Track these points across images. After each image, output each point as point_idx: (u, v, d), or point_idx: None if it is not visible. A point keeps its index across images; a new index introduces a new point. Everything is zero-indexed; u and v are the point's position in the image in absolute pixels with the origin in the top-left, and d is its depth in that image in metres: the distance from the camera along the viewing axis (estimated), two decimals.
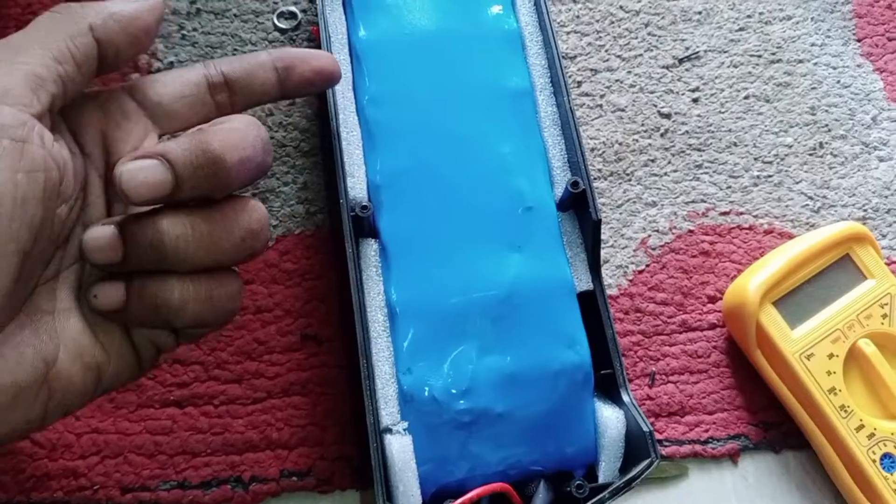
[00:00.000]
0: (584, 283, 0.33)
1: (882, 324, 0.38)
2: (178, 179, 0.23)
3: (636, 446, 0.30)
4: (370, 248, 0.32)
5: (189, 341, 0.28)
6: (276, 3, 0.47)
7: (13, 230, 0.21)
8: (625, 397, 0.31)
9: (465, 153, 0.33)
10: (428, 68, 0.34)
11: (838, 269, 0.40)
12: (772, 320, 0.38)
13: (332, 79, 0.29)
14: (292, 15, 0.47)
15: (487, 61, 0.35)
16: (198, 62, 0.28)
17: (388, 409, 0.30)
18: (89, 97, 0.26)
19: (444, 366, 0.31)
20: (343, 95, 0.34)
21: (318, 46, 0.35)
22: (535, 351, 0.31)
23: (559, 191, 0.34)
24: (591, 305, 0.33)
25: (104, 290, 0.24)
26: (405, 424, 0.30)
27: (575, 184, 0.32)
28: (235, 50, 0.46)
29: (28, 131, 0.22)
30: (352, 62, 0.35)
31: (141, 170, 0.22)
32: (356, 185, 0.33)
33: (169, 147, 0.23)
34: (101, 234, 0.23)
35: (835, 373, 0.37)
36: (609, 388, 0.32)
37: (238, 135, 0.24)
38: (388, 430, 0.30)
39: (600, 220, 0.32)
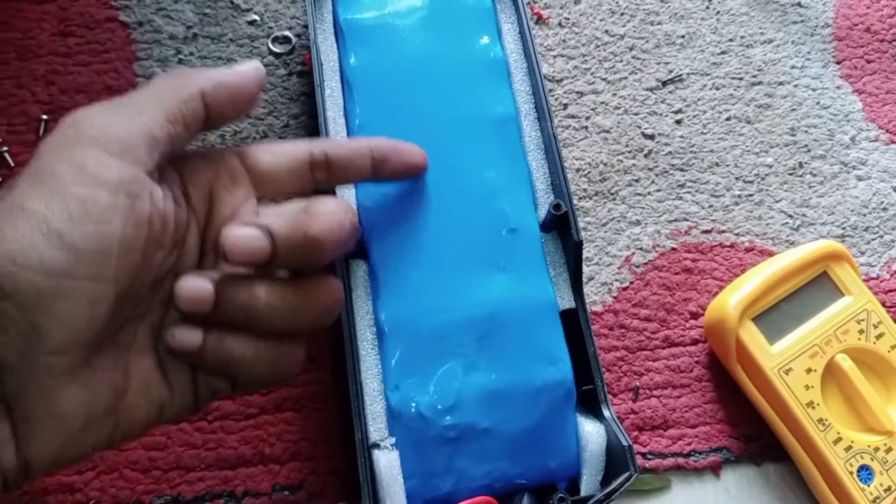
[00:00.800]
0: (567, 301, 0.34)
1: (859, 339, 0.40)
2: (275, 252, 0.25)
3: (616, 460, 0.31)
4: (360, 269, 0.33)
5: (243, 393, 0.29)
6: (270, 28, 0.49)
7: (115, 275, 0.23)
8: (605, 412, 0.32)
9: (452, 177, 0.35)
10: (416, 95, 0.36)
11: (816, 286, 0.41)
12: (751, 336, 0.39)
13: (419, 171, 0.33)
14: (286, 40, 0.48)
15: (474, 88, 0.36)
16: (304, 138, 0.29)
17: (376, 426, 0.31)
18: (205, 157, 0.28)
19: (430, 383, 0.32)
20: (335, 121, 0.35)
21: (311, 74, 0.36)
22: (519, 368, 0.32)
23: (543, 212, 0.35)
24: (574, 323, 0.34)
25: (182, 333, 0.25)
26: (392, 440, 0.31)
27: (557, 206, 0.33)
28: None
29: (141, 188, 0.24)
30: (343, 89, 0.36)
31: (246, 237, 0.24)
32: None
33: (274, 223, 0.25)
34: (197, 285, 0.25)
35: (813, 387, 0.38)
36: (591, 404, 0.33)
37: (335, 220, 0.26)
38: (376, 446, 0.31)
39: (581, 242, 0.33)
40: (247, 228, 0.25)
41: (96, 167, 0.23)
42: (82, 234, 0.22)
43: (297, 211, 0.26)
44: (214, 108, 0.27)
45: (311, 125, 0.45)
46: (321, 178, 0.29)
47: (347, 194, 0.34)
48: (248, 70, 0.28)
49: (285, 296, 0.26)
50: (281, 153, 0.29)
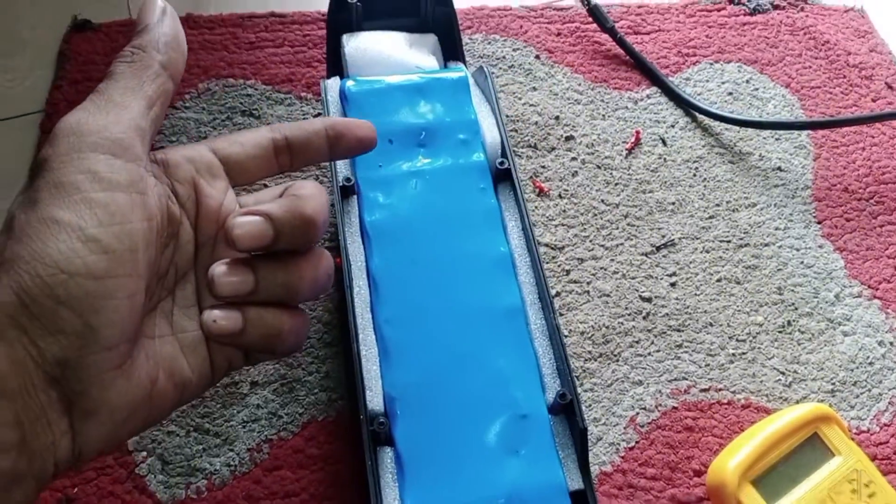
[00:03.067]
0: (576, 482, 0.37)
1: (851, 499, 0.42)
2: (277, 234, 0.28)
3: None
4: (386, 457, 0.37)
5: (253, 364, 0.32)
6: None
7: (143, 269, 0.26)
8: None
9: (467, 367, 0.39)
10: (434, 290, 0.40)
11: (808, 447, 0.44)
12: (751, 499, 0.42)
13: (370, 146, 0.34)
14: None
15: (484, 282, 0.41)
16: (263, 126, 0.32)
17: None
18: (183, 154, 0.30)
19: None
20: (362, 317, 0.40)
21: (341, 274, 0.41)
22: None
23: (550, 396, 0.39)
24: (583, 503, 0.37)
25: (227, 316, 0.29)
26: None
27: (563, 395, 0.37)
28: None
29: (145, 184, 0.26)
30: (369, 286, 0.41)
31: (250, 223, 0.27)
32: (373, 398, 0.38)
33: (272, 209, 0.28)
34: (231, 272, 0.28)
35: None
36: None
37: (319, 200, 0.29)
38: None
39: (586, 429, 0.36)
40: (250, 217, 0.27)
41: (108, 171, 0.25)
42: (114, 235, 0.24)
43: (287, 195, 0.29)
44: (174, 72, 0.29)
45: (338, 297, 0.50)
46: (284, 162, 0.32)
47: (374, 385, 0.38)
48: (167, 14, 0.29)
49: (309, 271, 0.29)
50: (247, 143, 0.31)
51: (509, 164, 0.43)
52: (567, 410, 0.38)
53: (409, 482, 0.36)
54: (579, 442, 0.37)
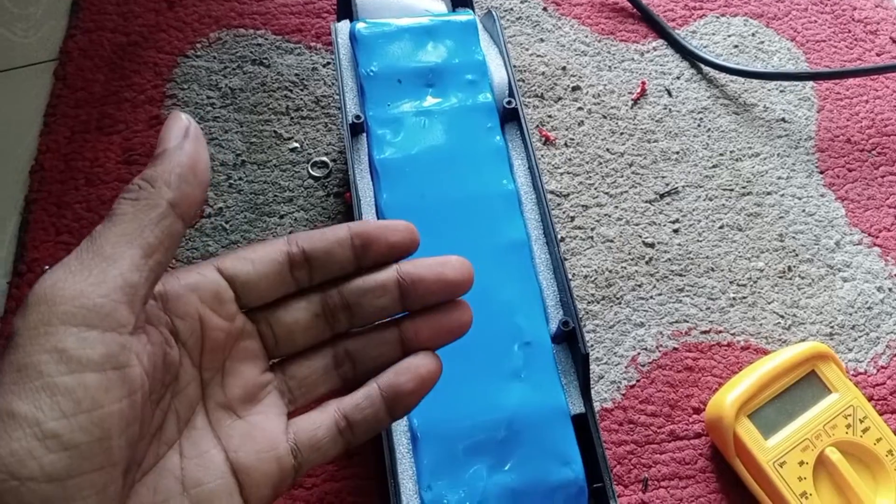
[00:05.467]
0: (578, 406, 0.38)
1: (846, 433, 0.43)
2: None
3: None
4: None
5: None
6: (309, 154, 0.55)
7: (118, 455, 0.22)
8: None
9: (473, 297, 0.40)
10: (441, 225, 0.41)
11: (805, 384, 0.45)
12: (747, 432, 0.43)
13: (408, 252, 0.29)
14: (324, 164, 0.55)
15: (491, 218, 0.42)
16: (280, 237, 0.28)
17: None
18: (186, 282, 0.26)
19: (459, 483, 0.36)
20: None
21: (351, 209, 0.42)
22: (536, 468, 0.36)
23: (553, 326, 0.40)
24: (584, 426, 0.38)
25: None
26: None
27: (566, 323, 0.38)
28: (276, 196, 0.53)
29: (128, 354, 0.22)
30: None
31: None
32: None
33: None
34: None
35: (805, 478, 0.42)
36: (601, 500, 0.37)
37: None
38: None
39: (588, 354, 0.38)
40: None
41: (77, 348, 0.21)
42: (78, 427, 0.21)
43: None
44: (188, 210, 0.24)
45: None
46: (302, 277, 0.28)
47: None
48: (189, 136, 0.25)
49: None
50: (258, 260, 0.27)
51: (516, 104, 0.44)
52: (569, 338, 0.39)
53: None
54: (581, 368, 0.38)
